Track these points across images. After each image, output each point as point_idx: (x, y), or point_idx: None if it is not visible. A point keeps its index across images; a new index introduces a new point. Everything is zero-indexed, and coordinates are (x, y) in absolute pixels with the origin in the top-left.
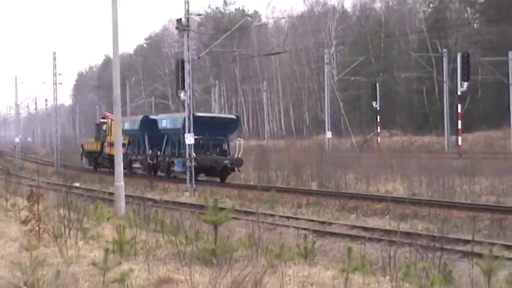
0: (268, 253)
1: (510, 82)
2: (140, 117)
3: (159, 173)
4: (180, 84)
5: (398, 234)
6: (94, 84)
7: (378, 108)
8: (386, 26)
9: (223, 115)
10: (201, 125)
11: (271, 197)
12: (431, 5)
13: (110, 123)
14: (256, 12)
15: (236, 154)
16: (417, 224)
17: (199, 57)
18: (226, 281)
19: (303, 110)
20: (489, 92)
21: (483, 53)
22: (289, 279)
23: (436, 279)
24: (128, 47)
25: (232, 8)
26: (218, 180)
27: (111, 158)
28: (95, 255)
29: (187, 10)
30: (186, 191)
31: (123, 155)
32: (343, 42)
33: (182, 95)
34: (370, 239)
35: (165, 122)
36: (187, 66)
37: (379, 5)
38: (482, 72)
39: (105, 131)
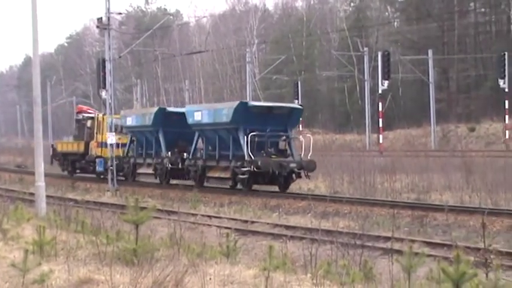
0: (189, 252)
1: (430, 80)
2: (154, 110)
3: (173, 181)
4: (102, 84)
5: (320, 232)
6: (14, 84)
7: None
8: (308, 25)
9: (283, 104)
10: (256, 118)
11: (193, 196)
12: (352, 4)
13: (100, 119)
14: (177, 11)
15: (302, 154)
16: (338, 222)
17: (120, 56)
18: (147, 280)
19: None
20: (409, 90)
21: (403, 52)
22: (210, 279)
23: (357, 276)
24: (48, 46)
25: (153, 7)
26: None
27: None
28: (14, 256)
29: (108, 9)
30: (108, 190)
31: (121, 157)
32: (265, 41)
33: (103, 94)
34: (292, 237)
35: (199, 114)
36: (108, 66)
37: (300, 3)
38: (403, 70)
39: (91, 129)
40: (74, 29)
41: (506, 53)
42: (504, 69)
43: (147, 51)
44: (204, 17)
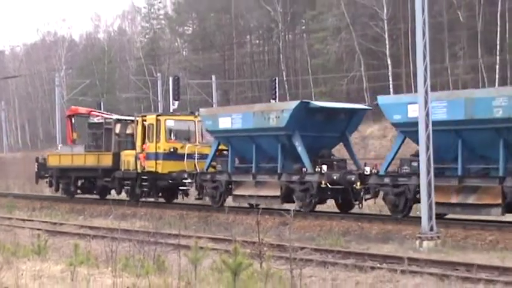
0: (4, 251)
1: (213, 101)
2: (291, 104)
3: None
4: None
5: (119, 231)
6: None
7: None
8: (109, 53)
9: None
10: None
11: (9, 202)
12: (147, 36)
13: (152, 121)
14: None
15: None
16: (136, 223)
17: None
18: None
19: (37, 126)
20: (197, 109)
21: (191, 76)
22: (22, 274)
23: (151, 269)
24: None
25: None
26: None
27: (153, 179)
28: None
29: None
30: None
31: (196, 173)
32: (72, 67)
33: None
34: (95, 236)
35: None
36: None
37: (102, 35)
38: (191, 92)
39: (120, 135)
40: None
41: (276, 77)
42: (275, 91)
43: None
44: (18, 46)
